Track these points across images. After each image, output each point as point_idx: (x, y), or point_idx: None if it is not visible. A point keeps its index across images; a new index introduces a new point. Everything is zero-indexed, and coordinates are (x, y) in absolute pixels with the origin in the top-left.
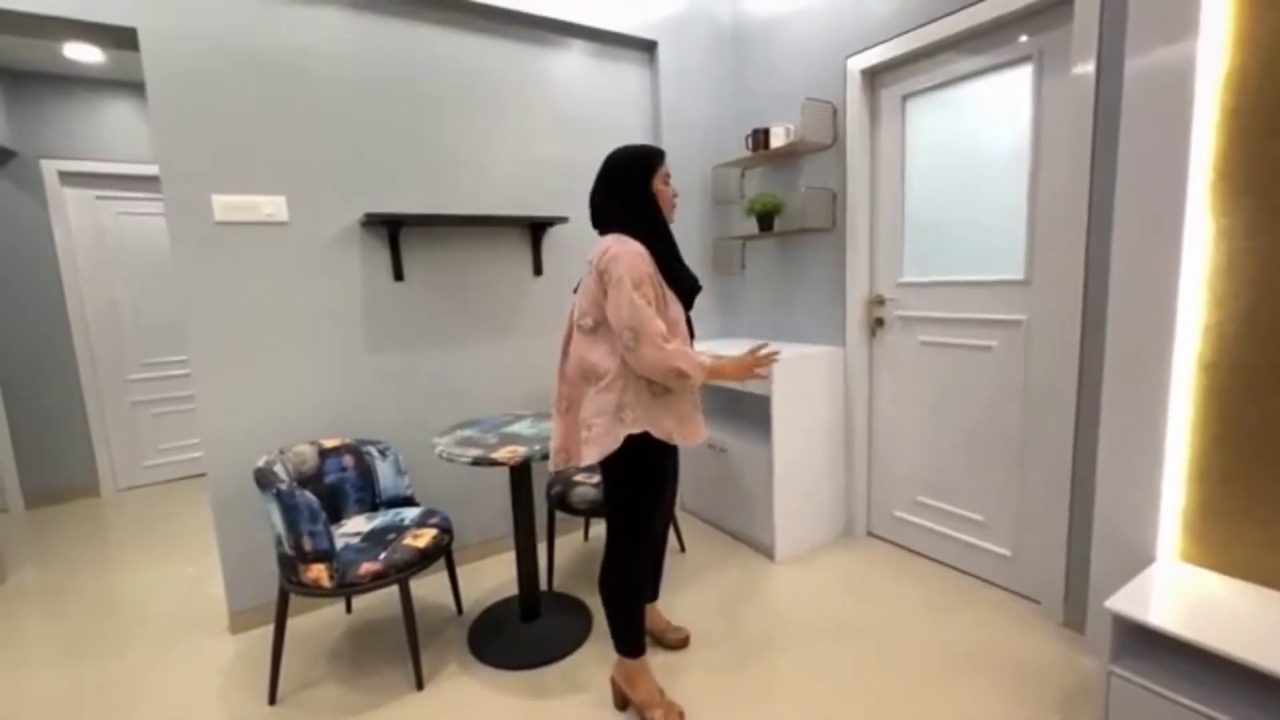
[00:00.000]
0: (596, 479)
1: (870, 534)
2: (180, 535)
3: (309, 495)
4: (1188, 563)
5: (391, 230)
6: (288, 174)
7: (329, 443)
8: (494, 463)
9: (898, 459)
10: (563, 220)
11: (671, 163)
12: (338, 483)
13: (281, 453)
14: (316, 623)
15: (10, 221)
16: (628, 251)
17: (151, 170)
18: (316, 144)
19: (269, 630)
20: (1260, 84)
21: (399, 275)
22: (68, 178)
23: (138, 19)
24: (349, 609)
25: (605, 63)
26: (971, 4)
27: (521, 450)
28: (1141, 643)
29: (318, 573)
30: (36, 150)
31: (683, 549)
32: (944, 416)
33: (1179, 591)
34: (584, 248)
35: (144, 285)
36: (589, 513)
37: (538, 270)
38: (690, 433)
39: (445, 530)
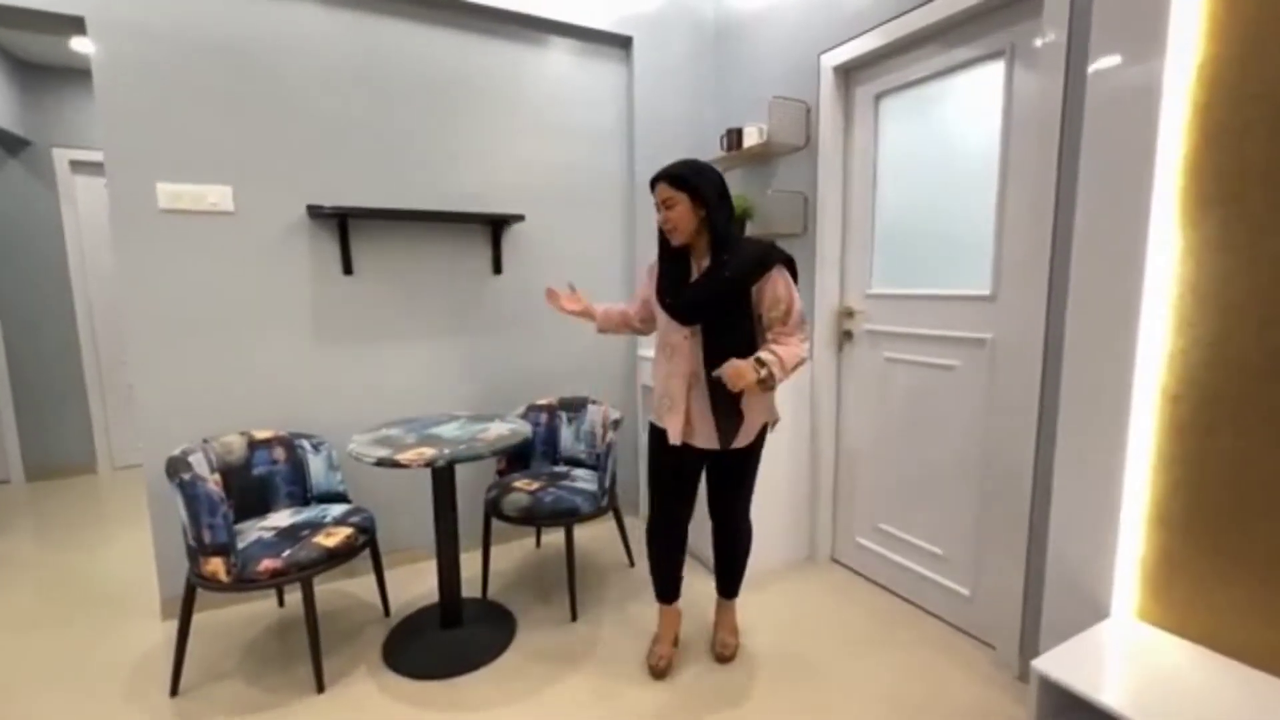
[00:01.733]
0: (535, 486)
1: (834, 560)
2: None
3: (210, 487)
4: (1145, 621)
5: (341, 223)
6: (236, 164)
7: (260, 434)
8: (396, 464)
9: (862, 482)
10: (519, 219)
11: (644, 162)
12: (267, 475)
13: (205, 442)
14: (245, 614)
15: (23, 207)
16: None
17: None
18: (268, 135)
19: (199, 619)
20: (1235, 77)
21: (348, 269)
22: (78, 166)
23: (85, 7)
24: (281, 602)
25: (578, 58)
26: None
27: (429, 453)
28: (1074, 709)
29: (215, 566)
30: (49, 139)
31: (631, 564)
32: (907, 439)
33: (1130, 655)
34: (546, 246)
35: None
36: (520, 521)
37: (497, 269)
38: (668, 424)
39: (363, 530)
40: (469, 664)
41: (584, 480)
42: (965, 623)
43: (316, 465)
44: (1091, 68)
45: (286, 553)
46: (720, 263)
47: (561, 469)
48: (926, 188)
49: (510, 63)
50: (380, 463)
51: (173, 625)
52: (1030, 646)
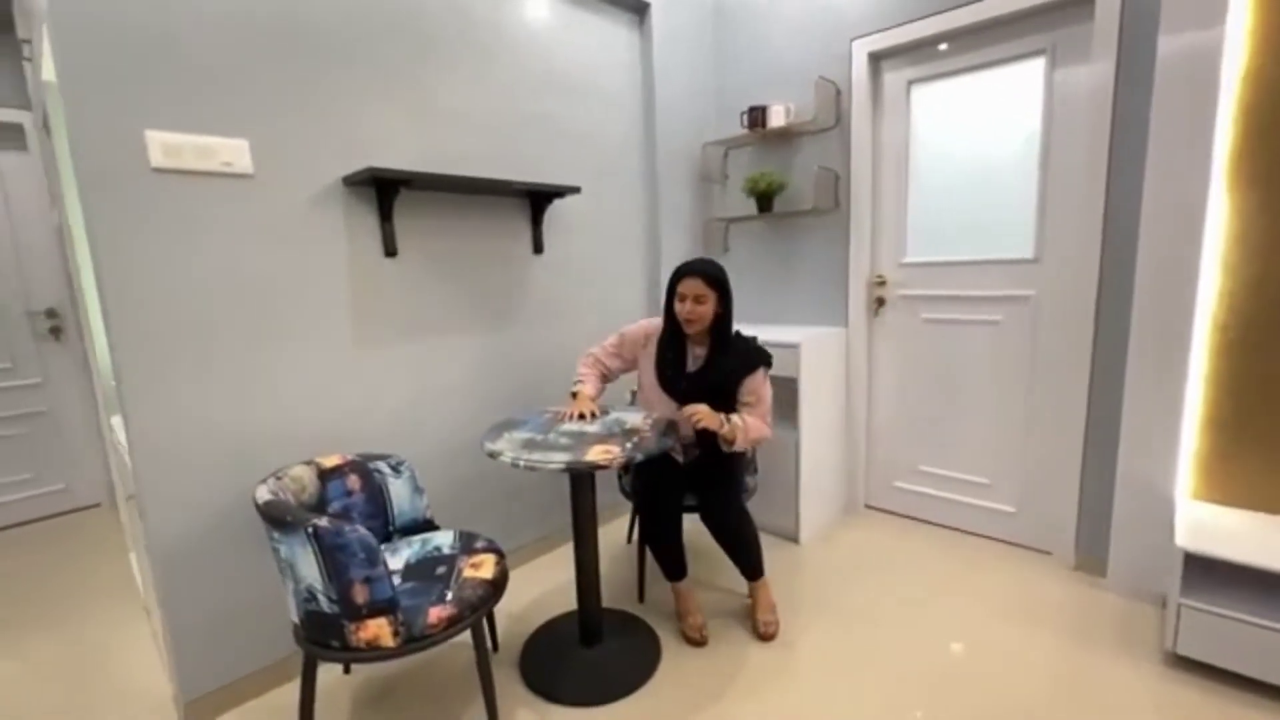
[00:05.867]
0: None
1: (868, 506)
2: (35, 606)
3: (361, 530)
4: (1198, 500)
5: (384, 193)
6: (253, 111)
7: (328, 461)
8: (595, 466)
9: (899, 432)
10: (574, 190)
11: (664, 136)
12: (343, 510)
13: (278, 479)
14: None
15: None
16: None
17: None
18: (290, 77)
19: (241, 716)
20: (1275, 80)
21: (390, 250)
22: None
23: None
24: (347, 669)
25: (590, 17)
26: None
27: (616, 450)
28: (1195, 574)
29: (376, 630)
30: None
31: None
32: (947, 388)
33: (1207, 527)
34: (586, 223)
35: None
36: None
37: (538, 248)
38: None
39: (500, 554)
40: (630, 684)
41: None
42: (1012, 535)
43: (399, 490)
44: (1161, 39)
45: (449, 595)
46: (719, 359)
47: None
48: (961, 167)
49: (525, 17)
50: (570, 467)
51: None
52: (1088, 543)
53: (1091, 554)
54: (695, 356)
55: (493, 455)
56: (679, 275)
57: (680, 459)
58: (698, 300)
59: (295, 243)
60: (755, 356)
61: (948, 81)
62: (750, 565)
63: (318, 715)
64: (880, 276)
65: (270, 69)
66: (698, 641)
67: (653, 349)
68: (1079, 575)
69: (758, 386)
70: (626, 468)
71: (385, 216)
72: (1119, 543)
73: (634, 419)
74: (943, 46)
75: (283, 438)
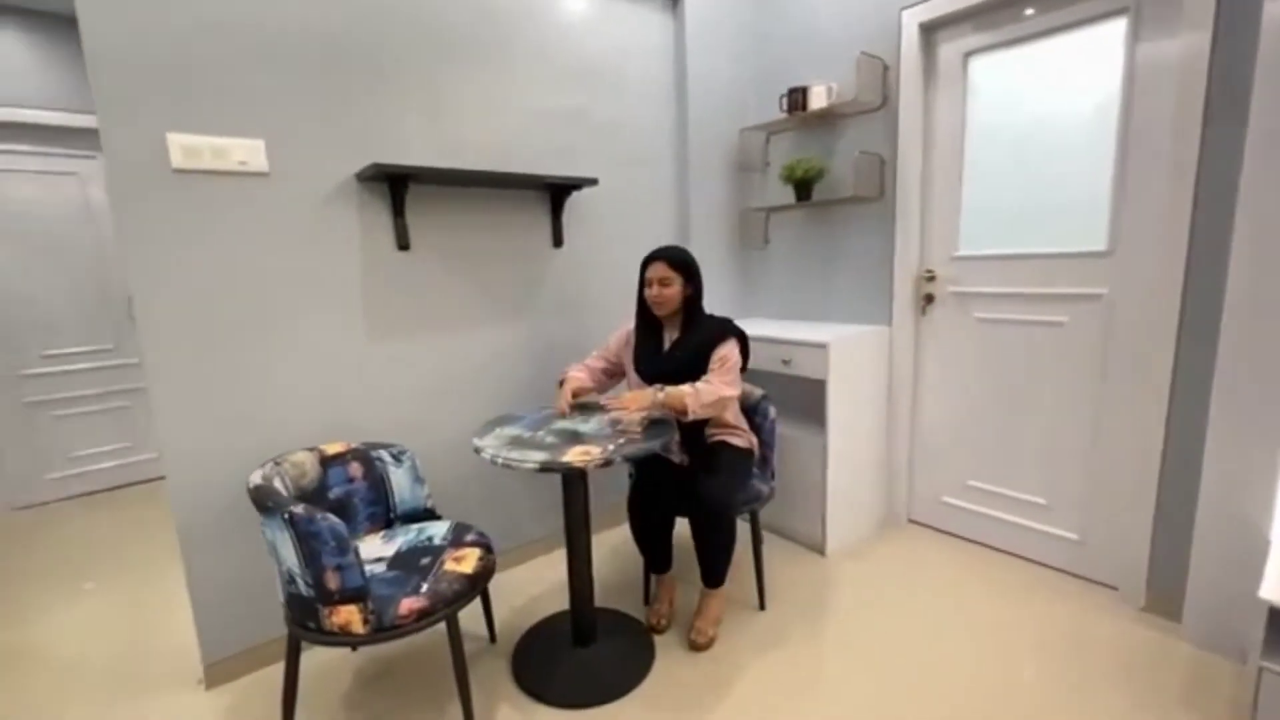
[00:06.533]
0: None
1: (911, 521)
2: (103, 563)
3: (334, 519)
4: None
5: (395, 188)
6: (268, 112)
7: (331, 448)
8: (570, 468)
9: (947, 442)
10: (591, 182)
11: (696, 125)
12: (344, 496)
13: (276, 464)
14: (314, 665)
15: None
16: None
17: (45, 118)
18: (303, 77)
19: (255, 681)
20: None
21: (404, 244)
22: None
23: None
24: (354, 647)
25: (620, 5)
26: None
27: (596, 451)
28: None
29: (347, 616)
30: None
31: None
32: (1003, 397)
33: None
34: (609, 216)
35: (39, 261)
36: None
37: (557, 241)
38: None
39: (488, 549)
40: (624, 686)
41: None
42: (1075, 566)
43: (399, 479)
44: (1267, 3)
45: (424, 588)
46: (688, 336)
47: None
48: (1023, 147)
49: (552, 9)
50: (545, 468)
51: (224, 693)
52: (1162, 581)
53: (1165, 593)
54: (670, 340)
55: (477, 450)
56: (645, 263)
57: (676, 460)
58: (663, 284)
59: (309, 238)
60: (723, 329)
61: (1010, 51)
62: (714, 571)
63: (321, 687)
64: (929, 271)
65: (285, 71)
66: (655, 629)
67: (635, 344)
68: (1148, 617)
69: (725, 353)
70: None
71: (397, 212)
72: (1198, 583)
73: (629, 418)
74: (1011, 9)
75: (296, 425)
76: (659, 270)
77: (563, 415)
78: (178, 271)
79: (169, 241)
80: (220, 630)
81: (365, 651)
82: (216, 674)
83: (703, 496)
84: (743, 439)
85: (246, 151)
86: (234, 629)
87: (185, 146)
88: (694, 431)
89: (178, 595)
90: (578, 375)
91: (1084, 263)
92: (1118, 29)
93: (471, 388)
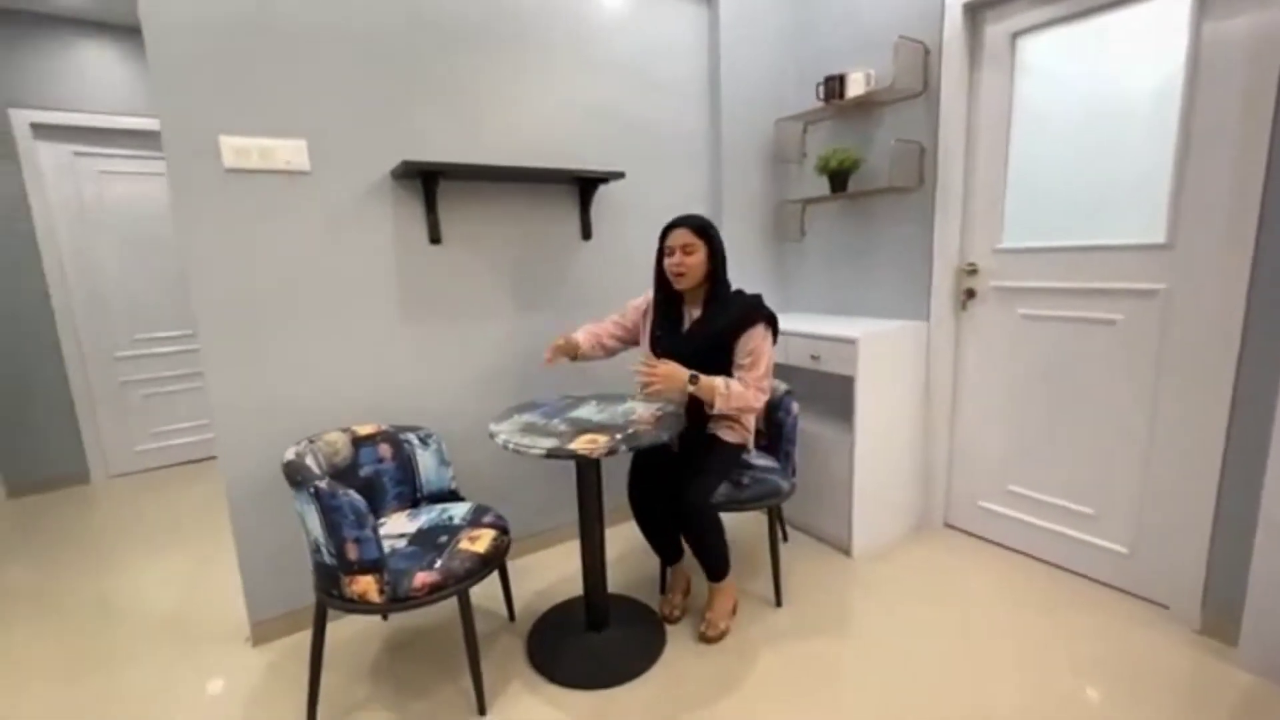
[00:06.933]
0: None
1: (948, 525)
2: (179, 529)
3: (354, 495)
4: None
5: (428, 184)
6: (308, 114)
7: (363, 429)
8: (575, 455)
9: (987, 445)
10: (618, 175)
11: (729, 118)
12: (374, 475)
13: (311, 442)
14: (349, 632)
15: None
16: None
17: (138, 124)
18: (341, 80)
19: (296, 641)
20: None
21: (435, 237)
22: (41, 130)
23: None
24: (385, 616)
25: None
26: None
27: (603, 440)
28: None
29: (364, 585)
30: (5, 97)
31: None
32: (1047, 399)
33: None
34: (637, 209)
35: (132, 253)
36: (720, 507)
37: (586, 234)
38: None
39: (504, 531)
40: (632, 669)
41: (758, 458)
42: (1123, 581)
43: (426, 460)
44: None
45: (438, 564)
46: (712, 315)
47: None
48: (1074, 132)
49: (585, 6)
50: (551, 454)
51: (269, 651)
52: (1219, 601)
53: (1220, 614)
54: (691, 318)
55: (491, 435)
56: (665, 231)
57: (674, 446)
58: (686, 251)
59: (347, 233)
60: (754, 311)
61: (1061, 30)
62: (708, 566)
63: (351, 651)
64: (971, 264)
65: (323, 73)
66: (668, 619)
67: (652, 318)
68: (1202, 640)
69: (756, 345)
70: None
71: (430, 206)
72: (1257, 605)
73: (643, 410)
74: None
75: (333, 407)
76: (682, 237)
77: (548, 363)
78: (228, 264)
79: (221, 236)
80: (265, 594)
81: (395, 622)
82: (262, 633)
83: (680, 497)
84: (736, 433)
85: (290, 152)
86: (277, 593)
87: (235, 148)
88: (695, 416)
89: (236, 560)
90: (576, 337)
91: (1140, 256)
92: (1182, 4)
93: (498, 375)
